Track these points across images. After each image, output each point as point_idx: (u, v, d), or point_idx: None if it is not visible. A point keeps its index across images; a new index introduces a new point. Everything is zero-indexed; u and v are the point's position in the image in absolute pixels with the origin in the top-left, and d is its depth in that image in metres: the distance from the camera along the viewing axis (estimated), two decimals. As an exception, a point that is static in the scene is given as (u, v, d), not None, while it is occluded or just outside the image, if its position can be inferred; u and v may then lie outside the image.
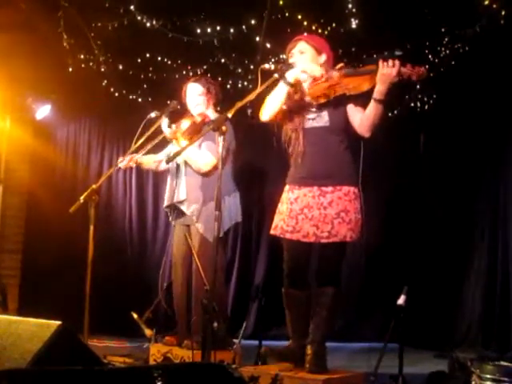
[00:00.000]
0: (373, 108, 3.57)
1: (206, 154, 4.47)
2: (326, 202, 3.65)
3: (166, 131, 4.48)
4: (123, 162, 4.68)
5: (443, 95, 5.85)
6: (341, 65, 3.68)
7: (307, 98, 3.71)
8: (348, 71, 3.62)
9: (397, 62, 3.45)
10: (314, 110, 3.71)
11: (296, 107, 3.75)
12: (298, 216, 3.69)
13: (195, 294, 4.43)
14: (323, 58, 3.76)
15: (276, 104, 3.70)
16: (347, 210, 3.64)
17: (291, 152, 3.77)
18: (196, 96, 4.63)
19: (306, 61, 3.71)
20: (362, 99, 3.62)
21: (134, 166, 4.82)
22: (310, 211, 3.67)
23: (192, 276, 4.48)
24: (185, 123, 4.52)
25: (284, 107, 3.73)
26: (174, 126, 4.51)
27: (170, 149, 4.70)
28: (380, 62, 3.47)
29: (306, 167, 3.72)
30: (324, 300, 3.67)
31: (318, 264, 3.74)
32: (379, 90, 3.51)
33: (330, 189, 3.66)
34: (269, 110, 3.73)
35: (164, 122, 4.47)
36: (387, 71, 3.45)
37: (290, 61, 3.72)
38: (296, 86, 3.69)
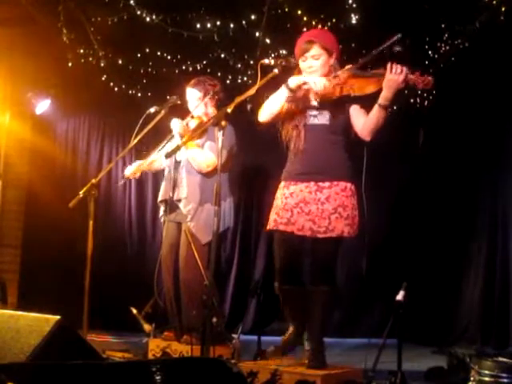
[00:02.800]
0: (376, 113, 3.58)
1: (208, 154, 4.48)
2: (324, 198, 3.65)
3: (177, 128, 4.48)
4: (130, 169, 4.72)
5: (443, 91, 5.84)
6: (349, 66, 3.67)
7: (311, 95, 3.70)
8: (355, 72, 3.62)
9: (404, 69, 3.44)
10: (316, 107, 3.71)
11: (299, 103, 3.74)
12: (293, 209, 3.68)
13: (184, 289, 4.45)
14: (333, 58, 3.75)
15: (275, 107, 3.72)
16: (345, 206, 3.64)
17: (292, 149, 3.77)
18: (195, 101, 4.64)
19: (319, 67, 3.69)
20: (367, 103, 3.61)
21: (138, 175, 4.82)
22: (306, 206, 3.66)
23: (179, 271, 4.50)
24: (192, 122, 4.56)
25: (285, 107, 3.72)
26: (184, 122, 4.53)
27: (168, 147, 4.67)
28: (388, 67, 3.47)
29: (303, 163, 3.72)
30: (318, 299, 3.66)
31: (311, 260, 3.72)
32: (384, 96, 3.51)
33: (327, 184, 3.66)
34: (267, 112, 3.75)
35: (174, 120, 4.48)
36: (394, 77, 3.45)
37: (303, 65, 3.69)
38: (297, 91, 3.68)
